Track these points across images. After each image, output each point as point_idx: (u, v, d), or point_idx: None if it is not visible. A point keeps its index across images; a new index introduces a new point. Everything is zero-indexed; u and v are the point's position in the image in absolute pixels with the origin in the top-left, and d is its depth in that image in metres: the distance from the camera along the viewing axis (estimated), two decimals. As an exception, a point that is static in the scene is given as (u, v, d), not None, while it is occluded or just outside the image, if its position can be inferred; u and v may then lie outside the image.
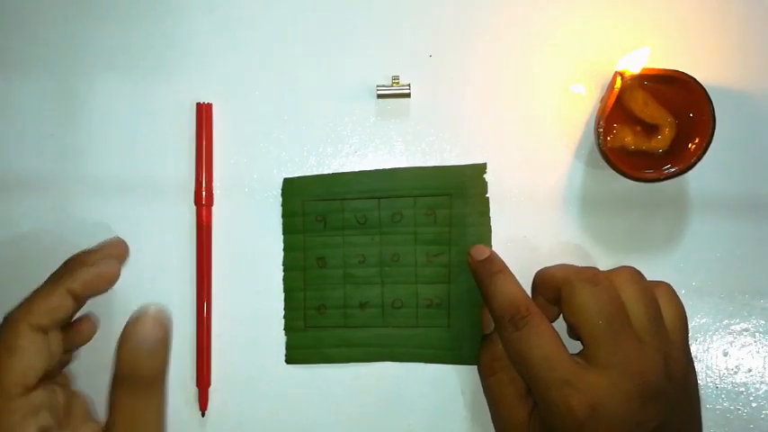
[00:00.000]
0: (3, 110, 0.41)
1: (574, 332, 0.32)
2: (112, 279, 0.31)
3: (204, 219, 0.39)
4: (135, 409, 0.26)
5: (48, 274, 0.30)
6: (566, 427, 0.30)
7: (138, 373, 0.26)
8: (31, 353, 0.28)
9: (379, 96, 0.39)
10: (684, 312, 0.33)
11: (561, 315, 0.34)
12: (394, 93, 0.39)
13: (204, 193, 0.39)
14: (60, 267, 0.32)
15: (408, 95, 0.39)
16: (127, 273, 0.33)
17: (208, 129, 0.40)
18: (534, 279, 0.35)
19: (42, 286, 0.30)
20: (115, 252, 0.34)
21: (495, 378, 0.35)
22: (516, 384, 0.34)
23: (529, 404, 0.33)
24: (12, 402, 0.26)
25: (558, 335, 0.31)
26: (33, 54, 0.41)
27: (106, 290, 0.31)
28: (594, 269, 0.32)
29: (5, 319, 0.29)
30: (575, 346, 0.32)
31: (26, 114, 0.41)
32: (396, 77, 0.39)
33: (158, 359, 0.26)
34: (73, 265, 0.31)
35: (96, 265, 0.31)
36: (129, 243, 0.36)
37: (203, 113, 0.40)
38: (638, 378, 0.29)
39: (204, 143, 0.40)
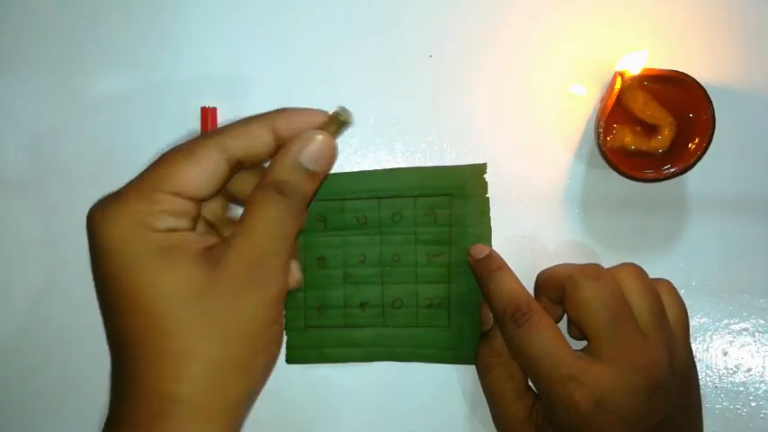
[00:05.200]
0: (3, 110, 0.41)
1: (577, 329, 0.32)
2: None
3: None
4: (276, 216, 0.25)
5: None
6: (571, 421, 0.30)
7: (292, 186, 0.26)
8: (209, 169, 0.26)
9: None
10: (686, 309, 0.33)
11: (564, 314, 0.34)
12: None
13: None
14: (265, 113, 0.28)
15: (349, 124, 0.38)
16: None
17: (213, 133, 0.40)
18: (537, 279, 0.36)
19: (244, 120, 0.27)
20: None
21: (493, 374, 0.35)
22: (515, 380, 0.34)
23: (529, 400, 0.33)
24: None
25: (560, 330, 0.32)
26: (32, 54, 0.41)
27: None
28: (597, 266, 0.32)
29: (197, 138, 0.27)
30: (576, 347, 0.32)
31: (27, 114, 0.41)
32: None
33: (314, 184, 0.26)
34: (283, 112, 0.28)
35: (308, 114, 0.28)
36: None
37: (208, 117, 0.40)
38: (642, 372, 0.30)
39: None
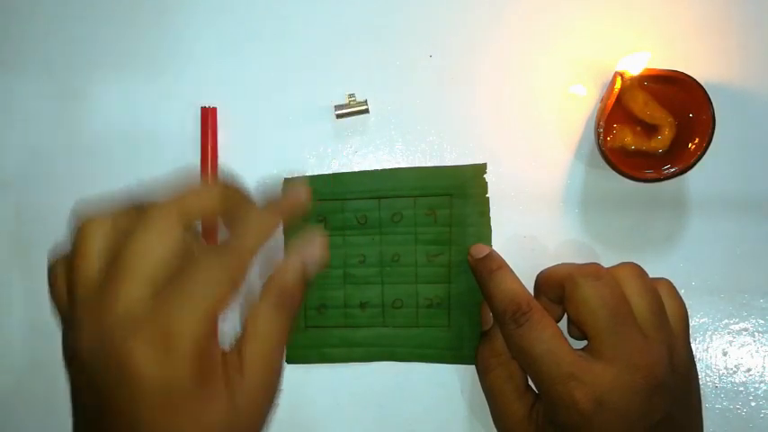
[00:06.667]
0: (3, 110, 0.41)
1: (578, 328, 0.32)
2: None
3: (210, 223, 0.39)
4: (273, 320, 0.27)
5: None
6: (571, 420, 0.30)
7: (288, 292, 0.27)
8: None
9: (339, 117, 0.39)
10: (685, 308, 0.33)
11: (564, 314, 0.34)
12: (352, 111, 0.39)
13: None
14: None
15: (367, 111, 0.39)
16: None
17: (213, 133, 0.40)
18: (537, 279, 0.36)
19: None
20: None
21: (493, 374, 0.35)
22: (515, 380, 0.34)
23: (528, 399, 0.33)
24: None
25: (560, 330, 0.32)
26: (34, 54, 0.41)
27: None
28: (597, 265, 0.32)
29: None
30: (576, 347, 0.32)
31: (27, 115, 0.41)
32: (352, 95, 0.39)
33: (304, 285, 0.28)
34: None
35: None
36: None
37: (208, 117, 0.40)
38: (643, 371, 0.30)
39: (210, 148, 0.40)
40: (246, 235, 0.27)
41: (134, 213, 0.26)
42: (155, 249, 0.25)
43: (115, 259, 0.25)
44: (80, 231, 0.26)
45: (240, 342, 0.26)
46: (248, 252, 0.27)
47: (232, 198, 0.28)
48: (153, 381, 0.23)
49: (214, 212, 0.27)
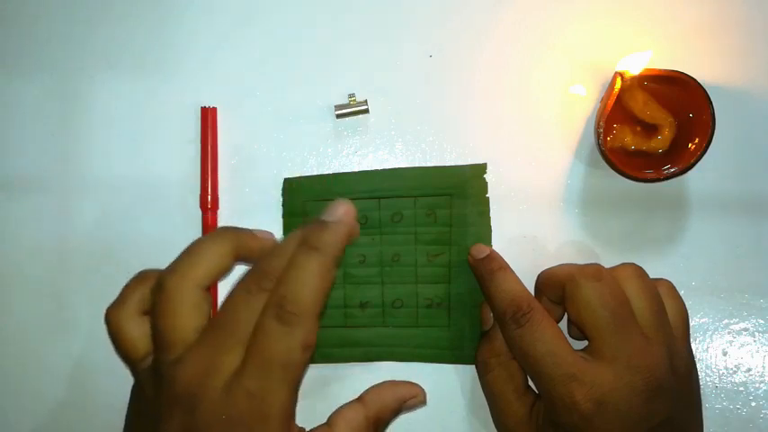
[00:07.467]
0: (3, 110, 0.41)
1: (578, 329, 0.32)
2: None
3: (210, 223, 0.39)
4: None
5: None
6: (572, 421, 0.30)
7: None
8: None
9: (338, 117, 0.39)
10: (686, 309, 0.33)
11: (564, 315, 0.34)
12: (352, 111, 0.39)
13: (210, 198, 0.39)
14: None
15: (367, 111, 0.39)
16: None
17: (213, 133, 0.40)
18: (537, 280, 0.36)
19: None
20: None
21: (493, 374, 0.35)
22: (515, 380, 0.34)
23: (528, 399, 0.33)
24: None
25: (561, 330, 0.32)
26: (34, 54, 0.41)
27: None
28: (597, 265, 0.32)
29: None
30: (577, 347, 0.32)
31: (27, 115, 0.41)
32: (352, 95, 0.39)
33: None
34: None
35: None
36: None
37: (208, 117, 0.40)
38: (643, 372, 0.30)
39: (210, 147, 0.40)
40: (304, 294, 0.26)
41: (148, 279, 0.28)
42: (189, 312, 0.26)
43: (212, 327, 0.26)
44: (108, 326, 0.28)
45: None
46: (312, 312, 0.26)
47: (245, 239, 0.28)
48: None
49: (228, 266, 0.28)
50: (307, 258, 0.26)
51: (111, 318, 0.28)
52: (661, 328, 0.31)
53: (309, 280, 0.25)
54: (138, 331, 0.28)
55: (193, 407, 0.24)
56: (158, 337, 0.26)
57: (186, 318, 0.26)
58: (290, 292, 0.25)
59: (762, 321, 0.39)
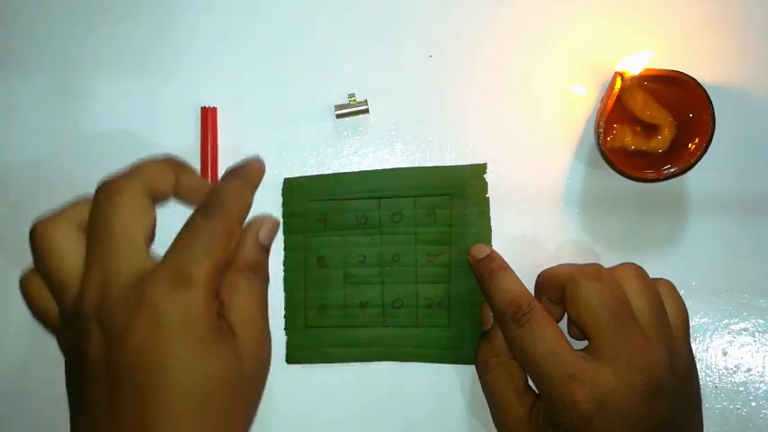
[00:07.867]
0: (3, 110, 0.41)
1: (578, 329, 0.32)
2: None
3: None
4: (260, 293, 0.27)
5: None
6: (572, 421, 0.30)
7: (260, 264, 0.27)
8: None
9: (338, 117, 0.39)
10: (686, 309, 0.33)
11: (564, 315, 0.34)
12: (352, 111, 0.39)
13: (210, 197, 0.39)
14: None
15: (367, 111, 0.39)
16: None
17: (213, 133, 0.40)
18: (537, 280, 0.36)
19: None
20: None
21: (493, 374, 0.35)
22: (515, 380, 0.34)
23: (529, 400, 0.33)
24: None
25: (561, 330, 0.32)
26: (34, 54, 0.41)
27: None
28: (597, 265, 0.32)
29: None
30: (577, 347, 0.32)
31: (27, 115, 0.41)
32: (352, 95, 0.39)
33: (267, 256, 0.28)
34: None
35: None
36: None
37: (208, 117, 0.40)
38: (643, 372, 0.30)
39: (210, 147, 0.40)
40: (229, 200, 0.27)
41: (88, 201, 0.26)
42: (134, 212, 0.25)
43: (93, 240, 0.25)
44: (36, 236, 0.26)
45: (222, 311, 0.25)
46: (236, 210, 0.27)
47: (186, 172, 0.28)
48: (175, 309, 0.23)
49: (171, 184, 0.28)
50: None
51: (40, 228, 0.25)
52: (661, 327, 0.31)
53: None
54: (72, 246, 0.25)
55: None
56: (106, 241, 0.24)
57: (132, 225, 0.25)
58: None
59: (762, 321, 0.39)
